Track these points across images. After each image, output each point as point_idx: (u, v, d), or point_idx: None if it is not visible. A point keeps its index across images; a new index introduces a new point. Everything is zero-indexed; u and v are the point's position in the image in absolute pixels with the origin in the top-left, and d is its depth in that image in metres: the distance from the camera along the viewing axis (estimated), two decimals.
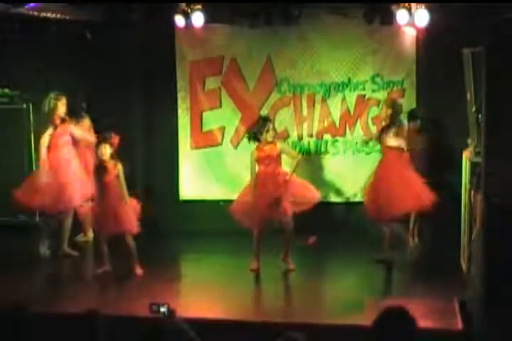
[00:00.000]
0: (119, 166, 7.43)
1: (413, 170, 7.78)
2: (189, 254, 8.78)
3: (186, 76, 9.64)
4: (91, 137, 8.36)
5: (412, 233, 8.64)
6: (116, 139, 7.42)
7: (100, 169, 7.45)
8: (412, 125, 8.28)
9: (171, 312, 4.24)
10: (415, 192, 7.61)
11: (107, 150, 7.38)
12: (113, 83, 9.39)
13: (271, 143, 7.58)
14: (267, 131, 7.54)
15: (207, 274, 7.79)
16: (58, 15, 8.64)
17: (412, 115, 8.55)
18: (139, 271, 7.51)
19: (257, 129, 7.58)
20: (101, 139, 7.51)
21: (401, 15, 8.28)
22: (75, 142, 8.32)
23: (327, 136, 9.38)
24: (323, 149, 9.40)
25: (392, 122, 7.66)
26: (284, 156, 7.69)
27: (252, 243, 7.59)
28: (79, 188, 8.14)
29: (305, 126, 9.41)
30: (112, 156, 7.42)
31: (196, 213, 9.64)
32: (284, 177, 7.55)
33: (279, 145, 7.70)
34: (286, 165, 7.73)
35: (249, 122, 9.33)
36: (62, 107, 8.13)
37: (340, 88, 9.27)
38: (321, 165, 9.41)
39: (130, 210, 7.48)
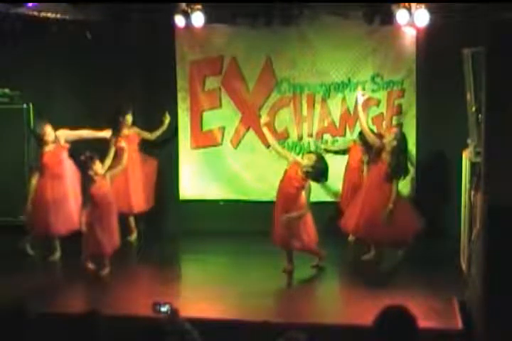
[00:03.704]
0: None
1: None
2: (189, 254, 8.78)
3: (186, 76, 9.63)
4: None
5: None
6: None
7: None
8: None
9: (174, 311, 4.25)
10: None
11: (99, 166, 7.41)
12: (113, 83, 9.38)
13: None
14: None
15: (207, 274, 7.79)
16: (58, 15, 8.64)
17: None
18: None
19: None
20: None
21: (401, 15, 8.28)
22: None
23: (327, 136, 9.39)
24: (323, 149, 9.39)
25: None
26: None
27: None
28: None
29: (305, 126, 9.40)
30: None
31: (196, 213, 9.64)
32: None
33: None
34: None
35: (249, 122, 9.39)
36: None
37: (340, 88, 9.27)
38: None
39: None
